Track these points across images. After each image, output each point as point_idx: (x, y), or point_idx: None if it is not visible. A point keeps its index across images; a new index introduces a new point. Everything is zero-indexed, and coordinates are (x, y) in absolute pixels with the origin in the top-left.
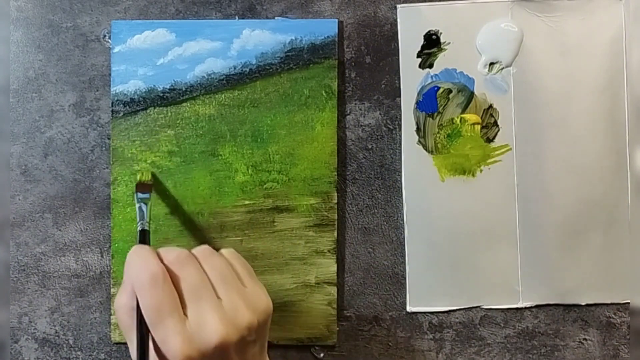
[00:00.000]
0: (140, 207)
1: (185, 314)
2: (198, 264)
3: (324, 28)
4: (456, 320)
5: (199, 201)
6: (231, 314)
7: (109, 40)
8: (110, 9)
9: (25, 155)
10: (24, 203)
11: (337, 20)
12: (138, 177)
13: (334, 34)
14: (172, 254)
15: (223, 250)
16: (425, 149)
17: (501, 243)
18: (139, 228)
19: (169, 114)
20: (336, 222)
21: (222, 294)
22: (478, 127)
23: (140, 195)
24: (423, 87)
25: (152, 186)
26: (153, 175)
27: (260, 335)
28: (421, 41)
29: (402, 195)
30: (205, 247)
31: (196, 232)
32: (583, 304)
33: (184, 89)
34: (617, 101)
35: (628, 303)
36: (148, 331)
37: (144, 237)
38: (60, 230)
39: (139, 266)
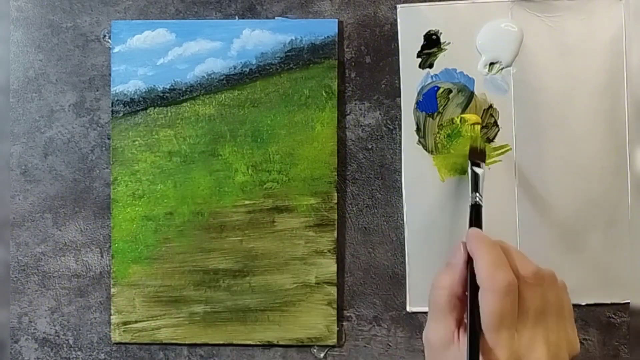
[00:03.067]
0: (473, 175)
1: (516, 329)
2: (544, 288)
3: (324, 28)
4: None
5: (199, 201)
6: (555, 350)
7: (109, 40)
8: (110, 9)
9: (25, 155)
10: (24, 203)
11: (337, 20)
12: (471, 142)
13: (334, 34)
14: (528, 268)
15: (560, 281)
16: (425, 149)
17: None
18: (472, 202)
19: (169, 114)
20: (336, 222)
21: (553, 327)
22: (478, 127)
23: (472, 163)
24: (423, 87)
25: (485, 154)
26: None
27: None
28: (421, 41)
29: (402, 195)
30: (552, 273)
31: (196, 232)
32: (583, 304)
33: (184, 89)
34: (617, 101)
35: (628, 303)
36: (480, 331)
37: (477, 214)
38: (60, 230)
39: (495, 266)
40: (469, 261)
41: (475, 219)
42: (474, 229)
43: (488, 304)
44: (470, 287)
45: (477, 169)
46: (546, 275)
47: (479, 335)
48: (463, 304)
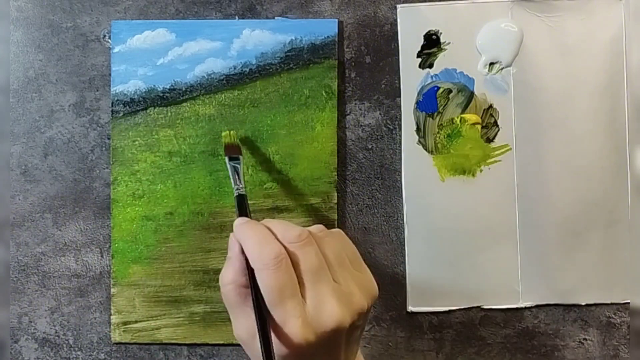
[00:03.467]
0: (233, 170)
1: (303, 295)
2: (316, 245)
3: (324, 28)
4: (456, 320)
5: (199, 201)
6: (347, 298)
7: (109, 40)
8: (110, 9)
9: (25, 155)
10: (24, 203)
11: (337, 20)
12: (224, 140)
13: (334, 34)
14: (291, 232)
15: (333, 231)
16: (425, 149)
17: (501, 243)
18: (236, 193)
19: (169, 114)
20: (336, 222)
21: (338, 277)
22: (478, 127)
23: (230, 157)
24: (423, 87)
25: (240, 147)
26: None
27: (365, 320)
28: (421, 41)
29: (402, 195)
30: (320, 227)
31: (196, 232)
32: (583, 304)
33: (184, 89)
34: (617, 101)
35: (628, 303)
36: (267, 311)
37: (242, 202)
38: (60, 230)
39: (260, 244)
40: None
41: (241, 208)
42: (239, 218)
43: (263, 281)
44: (248, 272)
45: (235, 164)
46: (314, 232)
47: (266, 316)
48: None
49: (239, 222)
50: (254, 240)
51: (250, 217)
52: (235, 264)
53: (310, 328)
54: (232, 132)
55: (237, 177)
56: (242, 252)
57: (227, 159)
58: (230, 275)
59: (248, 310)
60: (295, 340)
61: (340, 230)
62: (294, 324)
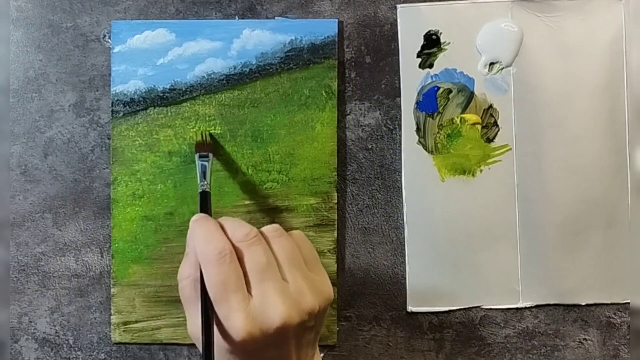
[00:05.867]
0: (200, 166)
1: (249, 292)
2: (266, 243)
3: (324, 28)
4: (456, 320)
5: None
6: (295, 297)
7: (109, 40)
8: (110, 9)
9: (25, 155)
10: (24, 203)
11: (337, 20)
12: (196, 138)
13: (334, 34)
14: (240, 231)
15: (292, 232)
16: (425, 149)
17: (501, 243)
18: (200, 189)
19: (169, 114)
20: (336, 222)
21: (288, 276)
22: (478, 127)
23: (200, 155)
24: (423, 87)
25: (211, 146)
26: (211, 135)
27: (319, 322)
28: (421, 41)
29: (402, 195)
30: (275, 227)
31: None
32: (583, 304)
33: (184, 89)
34: (617, 101)
35: (628, 303)
36: (212, 305)
37: (205, 199)
38: (60, 230)
39: (205, 240)
40: None
41: (203, 205)
42: (197, 214)
43: (206, 276)
44: (200, 267)
45: (204, 161)
46: (267, 232)
47: (210, 309)
48: None
49: (194, 218)
50: (202, 236)
51: (210, 215)
52: (191, 259)
53: (255, 323)
54: (205, 131)
55: (203, 174)
56: None
57: (197, 156)
58: (186, 270)
59: (200, 306)
60: (239, 334)
61: (301, 232)
62: (237, 317)
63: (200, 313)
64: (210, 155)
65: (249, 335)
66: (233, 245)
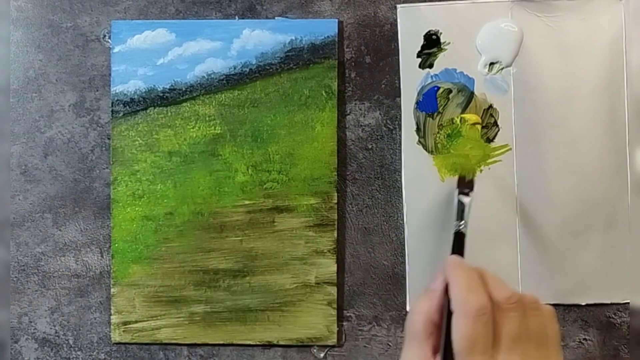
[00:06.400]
0: (460, 205)
1: (493, 356)
2: (523, 313)
3: (324, 28)
4: None
5: (199, 201)
6: None
7: (109, 40)
8: (110, 9)
9: (25, 155)
10: (24, 203)
11: (337, 20)
12: (462, 174)
13: (334, 34)
14: (503, 292)
15: (545, 308)
16: (425, 149)
17: (501, 243)
18: (455, 229)
19: (169, 114)
20: (336, 222)
21: (532, 354)
22: (478, 127)
23: (461, 192)
24: (423, 87)
25: (474, 184)
26: (473, 175)
27: None
28: (421, 41)
29: (402, 195)
30: (534, 299)
31: (196, 232)
32: (583, 304)
33: (184, 89)
34: (617, 101)
35: (628, 303)
36: (451, 355)
37: (460, 241)
38: (60, 230)
39: (468, 289)
40: (447, 288)
41: (458, 246)
42: (454, 256)
43: (459, 327)
44: (446, 312)
45: (464, 198)
46: (526, 301)
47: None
48: (440, 331)
49: (453, 260)
50: (463, 284)
51: (463, 258)
52: (434, 299)
53: None
54: (475, 170)
55: (462, 213)
56: (447, 291)
57: (456, 192)
58: (425, 307)
59: (426, 345)
60: None
61: (552, 309)
62: None
63: (427, 356)
64: (472, 193)
65: None
66: (494, 305)
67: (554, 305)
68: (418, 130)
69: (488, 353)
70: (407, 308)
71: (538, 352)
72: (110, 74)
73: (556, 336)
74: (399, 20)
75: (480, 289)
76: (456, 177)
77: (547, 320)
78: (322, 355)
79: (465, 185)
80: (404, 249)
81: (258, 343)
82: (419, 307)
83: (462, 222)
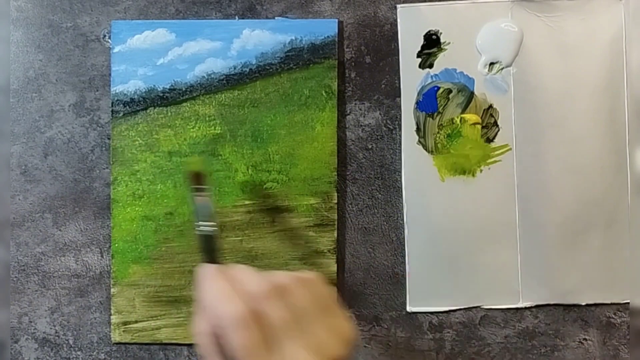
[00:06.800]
0: (198, 203)
1: (273, 350)
2: (282, 295)
3: (324, 28)
4: (456, 320)
5: None
6: (320, 348)
7: (109, 40)
8: (110, 9)
9: (25, 155)
10: (24, 203)
11: (337, 20)
12: (189, 167)
13: (334, 34)
14: (254, 284)
15: (305, 278)
16: (425, 149)
17: (501, 243)
18: (200, 231)
19: (169, 114)
20: (336, 222)
21: (308, 328)
22: (478, 127)
23: (196, 188)
24: (423, 87)
25: (203, 177)
26: (204, 161)
27: None
28: (421, 41)
29: (402, 195)
30: (287, 276)
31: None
32: (583, 304)
33: (184, 89)
34: (617, 101)
35: (628, 303)
36: None
37: (207, 245)
38: (60, 230)
39: (221, 301)
40: None
41: (206, 250)
42: (201, 267)
43: (232, 339)
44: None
45: (198, 197)
46: (283, 282)
47: None
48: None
49: (200, 273)
50: (216, 297)
51: (217, 259)
52: (205, 314)
53: None
54: (199, 157)
55: (205, 211)
56: None
57: (190, 191)
58: (201, 326)
59: (222, 358)
60: None
61: (313, 275)
62: None
63: None
64: (209, 187)
65: None
66: (250, 302)
67: (554, 305)
68: (418, 130)
69: (267, 348)
70: (407, 308)
71: (314, 323)
72: (110, 74)
73: (326, 298)
74: (399, 20)
75: (231, 296)
76: (187, 174)
77: (315, 287)
78: None
79: (196, 180)
80: (404, 249)
81: None
82: (198, 327)
83: (206, 223)
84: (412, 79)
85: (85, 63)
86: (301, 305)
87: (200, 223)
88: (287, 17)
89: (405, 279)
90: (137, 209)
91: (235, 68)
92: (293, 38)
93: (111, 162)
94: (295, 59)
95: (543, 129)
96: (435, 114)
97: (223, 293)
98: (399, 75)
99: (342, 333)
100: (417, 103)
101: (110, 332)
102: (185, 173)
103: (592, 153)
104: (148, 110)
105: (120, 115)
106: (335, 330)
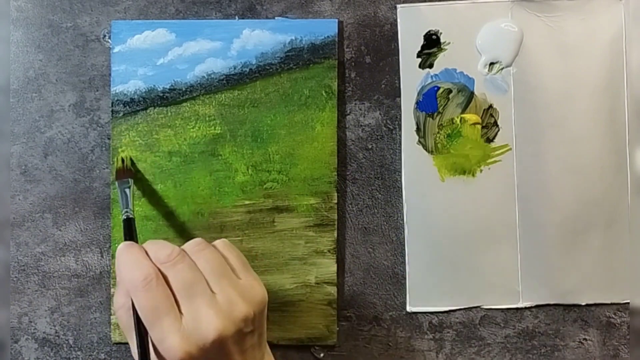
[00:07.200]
0: (122, 193)
1: (180, 311)
2: (190, 259)
3: (324, 28)
4: (456, 320)
5: (199, 201)
6: (226, 307)
7: (109, 40)
8: (110, 9)
9: (25, 155)
10: (24, 203)
11: (337, 20)
12: (116, 165)
13: (334, 34)
14: (162, 252)
15: (216, 242)
16: (425, 149)
17: (501, 243)
18: (124, 217)
19: (169, 114)
20: (336, 222)
21: (216, 288)
22: (478, 127)
23: (121, 182)
24: (423, 87)
25: (132, 171)
26: (131, 160)
27: (258, 325)
28: (421, 41)
29: (402, 195)
30: (197, 241)
31: (196, 232)
32: (583, 304)
33: (184, 89)
34: (617, 101)
35: (628, 303)
36: (146, 331)
37: (129, 226)
38: (60, 230)
39: (130, 267)
40: None
41: (128, 232)
42: (122, 243)
43: (137, 303)
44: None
45: (124, 187)
46: (189, 248)
47: (145, 335)
48: None
49: (119, 247)
50: (127, 264)
51: (136, 241)
52: (122, 288)
53: (190, 341)
54: (125, 156)
55: (126, 201)
56: None
57: (117, 183)
58: (120, 300)
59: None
60: (176, 355)
61: (225, 241)
62: (172, 339)
63: (135, 339)
64: (131, 180)
65: (186, 354)
66: (158, 268)
67: (554, 305)
68: (418, 130)
69: (172, 311)
70: (407, 308)
71: (220, 284)
72: (110, 74)
73: (238, 261)
74: (399, 20)
75: (140, 261)
76: (115, 170)
77: (223, 252)
78: (322, 355)
79: (123, 175)
80: (404, 249)
81: None
82: (116, 303)
83: (129, 209)
84: (412, 79)
85: (85, 63)
86: (209, 267)
87: (124, 210)
88: (287, 17)
89: (405, 279)
90: (137, 209)
91: (235, 68)
92: (293, 38)
93: (111, 162)
94: (295, 59)
95: (543, 129)
96: (435, 114)
97: (133, 259)
98: (399, 75)
99: (251, 293)
100: (417, 103)
101: (110, 332)
102: (112, 169)
103: (592, 153)
104: (148, 110)
105: (120, 115)
106: (243, 291)
